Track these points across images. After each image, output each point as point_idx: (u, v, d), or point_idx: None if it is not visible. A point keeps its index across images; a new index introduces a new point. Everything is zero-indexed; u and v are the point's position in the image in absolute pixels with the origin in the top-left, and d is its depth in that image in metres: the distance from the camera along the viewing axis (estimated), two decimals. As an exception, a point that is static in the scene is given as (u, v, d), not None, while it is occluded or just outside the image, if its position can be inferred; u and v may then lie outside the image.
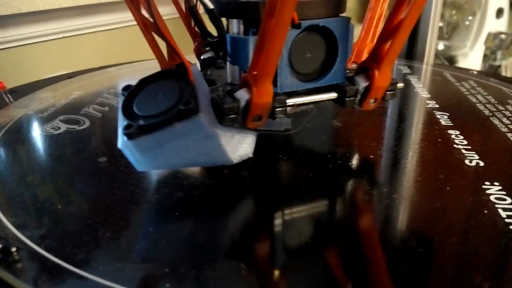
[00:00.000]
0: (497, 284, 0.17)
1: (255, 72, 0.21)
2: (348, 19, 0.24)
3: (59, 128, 0.33)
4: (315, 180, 0.25)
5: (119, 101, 0.22)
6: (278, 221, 0.22)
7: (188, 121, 0.20)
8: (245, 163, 0.26)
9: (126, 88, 0.22)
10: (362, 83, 0.25)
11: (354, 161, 0.27)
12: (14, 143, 0.30)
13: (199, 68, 0.23)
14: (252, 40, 0.23)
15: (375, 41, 0.26)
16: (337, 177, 0.26)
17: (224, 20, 0.27)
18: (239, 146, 0.23)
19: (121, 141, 0.21)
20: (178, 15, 0.33)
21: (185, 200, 0.23)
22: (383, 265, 0.18)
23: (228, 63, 0.26)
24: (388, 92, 0.26)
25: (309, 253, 0.19)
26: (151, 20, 0.23)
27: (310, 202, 0.23)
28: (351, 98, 0.25)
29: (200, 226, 0.21)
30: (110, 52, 0.79)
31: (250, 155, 0.24)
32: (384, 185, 0.25)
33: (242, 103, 0.22)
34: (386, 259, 0.19)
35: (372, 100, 0.26)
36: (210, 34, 0.29)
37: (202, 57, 0.30)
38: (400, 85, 0.27)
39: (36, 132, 0.32)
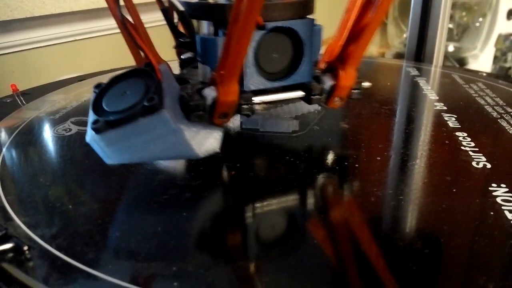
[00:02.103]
0: (502, 285, 0.17)
1: (222, 72, 0.22)
2: (313, 21, 0.25)
3: (70, 130, 0.33)
4: (321, 182, 0.25)
5: (90, 98, 0.24)
6: (285, 222, 0.22)
7: (151, 116, 0.21)
8: (252, 165, 0.27)
9: (98, 86, 0.24)
10: (328, 82, 0.26)
11: (361, 163, 0.28)
12: (26, 145, 0.31)
13: (168, 67, 0.25)
14: (220, 41, 0.24)
15: None
16: (344, 178, 0.26)
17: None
18: (205, 141, 0.24)
19: (89, 135, 0.23)
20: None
21: (193, 201, 0.23)
22: (389, 266, 0.18)
23: (199, 62, 0.27)
24: (353, 91, 0.27)
25: (314, 253, 0.19)
26: (123, 17, 0.24)
27: (316, 203, 0.24)
28: (317, 96, 0.26)
29: (208, 226, 0.21)
30: (121, 54, 0.79)
31: (217, 150, 0.24)
32: (390, 186, 0.25)
33: (209, 101, 0.23)
34: (392, 260, 0.19)
35: (337, 99, 0.27)
36: (183, 35, 0.30)
37: (181, 57, 0.31)
38: (366, 84, 0.28)
39: (48, 134, 0.33)
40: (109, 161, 0.23)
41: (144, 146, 0.22)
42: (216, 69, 0.23)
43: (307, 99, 0.27)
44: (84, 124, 0.34)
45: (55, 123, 0.34)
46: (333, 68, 0.26)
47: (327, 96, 0.27)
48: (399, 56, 1.10)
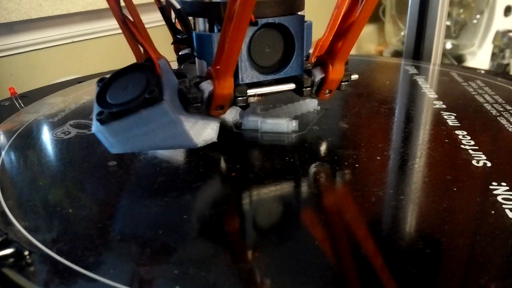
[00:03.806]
0: (504, 284, 0.17)
1: (217, 67, 0.23)
2: (303, 17, 0.27)
3: (69, 132, 0.33)
4: (321, 182, 0.25)
5: (94, 92, 0.25)
6: (284, 222, 0.22)
7: (152, 107, 0.23)
8: (253, 166, 0.27)
9: (101, 80, 0.25)
10: (318, 75, 0.28)
11: (361, 163, 0.28)
12: (25, 148, 0.31)
13: (167, 63, 0.26)
14: (215, 37, 0.25)
15: None
16: (344, 178, 0.26)
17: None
18: (203, 131, 0.25)
19: (95, 126, 0.24)
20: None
21: (194, 203, 0.23)
22: (390, 266, 0.18)
23: (196, 58, 0.28)
24: (343, 83, 0.29)
25: (315, 254, 0.19)
26: (123, 14, 0.25)
27: (316, 203, 0.24)
28: (308, 89, 0.28)
29: (209, 229, 0.21)
30: (118, 56, 0.79)
31: (215, 139, 0.26)
32: (391, 186, 0.25)
33: (206, 94, 0.24)
34: (393, 260, 0.19)
35: (327, 91, 0.28)
36: (180, 32, 0.31)
37: (179, 53, 0.33)
38: (354, 76, 0.29)
39: (47, 137, 0.33)
40: (114, 150, 0.25)
41: (146, 136, 0.24)
42: (212, 64, 0.24)
43: (298, 91, 0.28)
44: (83, 127, 0.34)
45: (53, 126, 0.34)
46: (322, 62, 0.28)
47: (317, 89, 0.28)
48: (397, 54, 1.10)
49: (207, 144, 0.26)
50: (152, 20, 0.60)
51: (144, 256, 0.19)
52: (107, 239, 0.20)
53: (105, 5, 0.78)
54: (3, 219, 0.22)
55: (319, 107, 0.35)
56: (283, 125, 0.31)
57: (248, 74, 0.26)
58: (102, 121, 0.23)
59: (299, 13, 0.27)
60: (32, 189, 0.25)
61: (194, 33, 0.27)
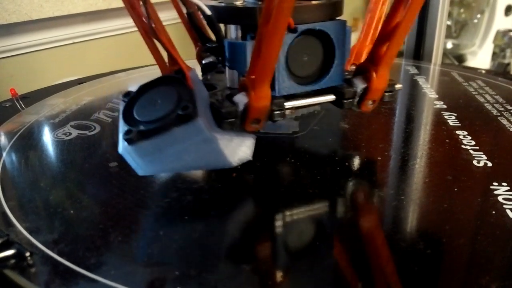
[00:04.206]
0: (505, 285, 0.17)
1: (253, 77, 0.22)
2: (344, 22, 0.25)
3: (70, 133, 0.33)
4: (322, 183, 0.25)
5: (120, 108, 0.23)
6: (286, 224, 0.22)
7: (186, 125, 0.21)
8: (253, 166, 0.27)
9: (127, 94, 0.23)
10: (360, 85, 0.25)
11: (362, 163, 0.28)
12: (26, 149, 0.31)
13: (199, 73, 0.24)
14: (249, 45, 0.23)
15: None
16: (344, 179, 0.26)
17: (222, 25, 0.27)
18: (238, 149, 0.23)
19: (122, 146, 0.22)
20: (181, 20, 0.33)
21: (195, 204, 0.23)
22: (391, 266, 0.18)
23: (227, 67, 0.27)
24: (386, 93, 0.26)
25: (318, 255, 0.19)
26: (151, 25, 0.23)
27: (318, 204, 0.24)
28: (349, 100, 0.25)
29: (210, 230, 0.21)
30: (119, 57, 0.79)
31: (250, 158, 0.24)
32: (391, 186, 0.25)
33: (241, 107, 0.22)
34: (394, 260, 0.19)
35: (370, 102, 0.26)
36: (209, 39, 0.30)
37: (203, 62, 0.31)
38: (398, 86, 0.27)
39: (48, 138, 0.33)
40: (142, 172, 0.23)
41: (177, 156, 0.22)
42: (247, 74, 0.22)
43: (338, 103, 0.26)
44: (83, 127, 0.34)
45: (55, 127, 0.34)
46: (364, 70, 0.25)
47: (359, 100, 0.26)
48: (397, 54, 1.10)
49: None
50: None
51: (145, 257, 0.19)
52: (108, 240, 0.20)
53: (106, 6, 0.78)
54: (5, 221, 0.22)
55: (319, 108, 0.35)
56: (284, 125, 0.31)
57: (285, 85, 0.24)
58: (130, 141, 0.21)
59: (338, 18, 0.25)
60: (33, 190, 0.25)
61: (226, 41, 0.25)
